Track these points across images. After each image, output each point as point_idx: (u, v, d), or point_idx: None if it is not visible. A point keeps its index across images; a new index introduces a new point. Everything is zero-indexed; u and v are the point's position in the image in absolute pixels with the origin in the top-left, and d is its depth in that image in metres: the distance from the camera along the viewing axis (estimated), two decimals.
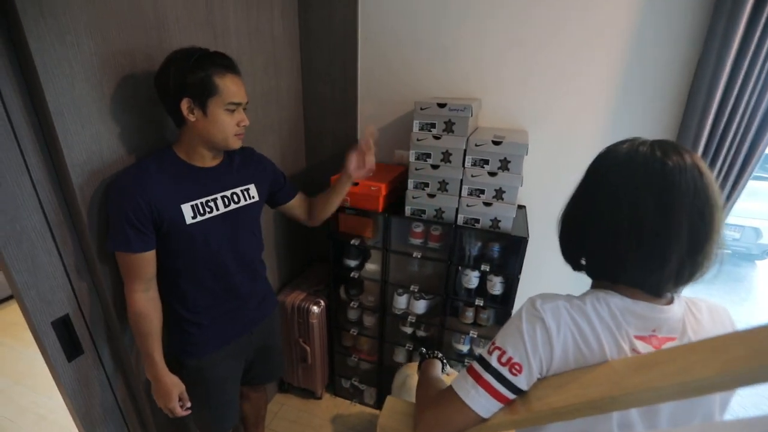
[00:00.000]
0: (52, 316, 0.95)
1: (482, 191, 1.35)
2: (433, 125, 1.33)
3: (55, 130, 0.85)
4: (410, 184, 1.44)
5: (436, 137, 1.33)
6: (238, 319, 1.16)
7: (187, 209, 0.97)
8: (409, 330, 1.73)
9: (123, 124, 0.99)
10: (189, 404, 1.08)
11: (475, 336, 1.56)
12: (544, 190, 1.59)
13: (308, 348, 1.76)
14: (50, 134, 0.86)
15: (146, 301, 0.98)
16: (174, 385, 1.04)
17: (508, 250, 1.46)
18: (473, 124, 1.41)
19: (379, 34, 1.59)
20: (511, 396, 0.58)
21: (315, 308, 1.70)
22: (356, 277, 1.65)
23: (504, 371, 0.57)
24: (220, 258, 1.06)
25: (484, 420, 0.59)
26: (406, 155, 1.66)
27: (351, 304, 1.72)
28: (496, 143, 1.28)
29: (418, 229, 1.53)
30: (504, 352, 0.58)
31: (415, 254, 1.50)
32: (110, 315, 1.07)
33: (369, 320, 1.76)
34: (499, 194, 1.34)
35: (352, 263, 1.66)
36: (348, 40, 1.63)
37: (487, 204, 1.35)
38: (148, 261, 0.96)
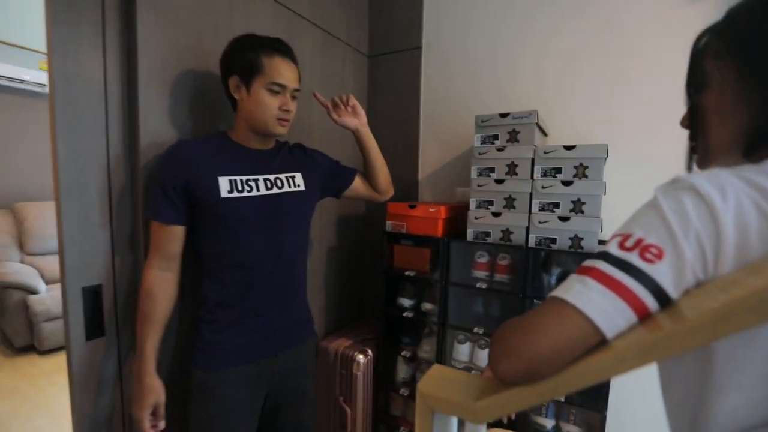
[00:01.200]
0: (85, 281, 0.90)
1: (557, 204, 1.17)
2: (495, 137, 1.26)
3: (138, 96, 0.94)
4: (472, 203, 1.31)
5: (500, 149, 1.25)
6: (263, 334, 0.99)
7: (224, 182, 0.92)
8: None
9: (195, 111, 1.07)
10: (163, 425, 0.89)
11: (562, 401, 1.17)
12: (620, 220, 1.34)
13: (348, 410, 1.46)
14: (134, 98, 0.94)
15: (159, 280, 0.90)
16: (151, 390, 0.87)
17: None
18: (541, 141, 1.31)
19: (441, 83, 1.68)
20: (648, 300, 0.36)
21: (361, 357, 1.46)
22: (410, 316, 1.42)
23: (630, 257, 0.37)
24: (253, 246, 0.96)
25: (605, 340, 0.37)
26: (467, 192, 1.57)
27: (403, 353, 1.45)
28: (568, 148, 1.15)
29: (483, 259, 1.34)
30: (628, 236, 0.38)
31: (479, 285, 1.28)
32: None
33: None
34: (577, 206, 1.14)
35: (407, 302, 1.46)
36: (412, 90, 1.74)
37: (564, 219, 1.15)
38: (174, 235, 0.90)
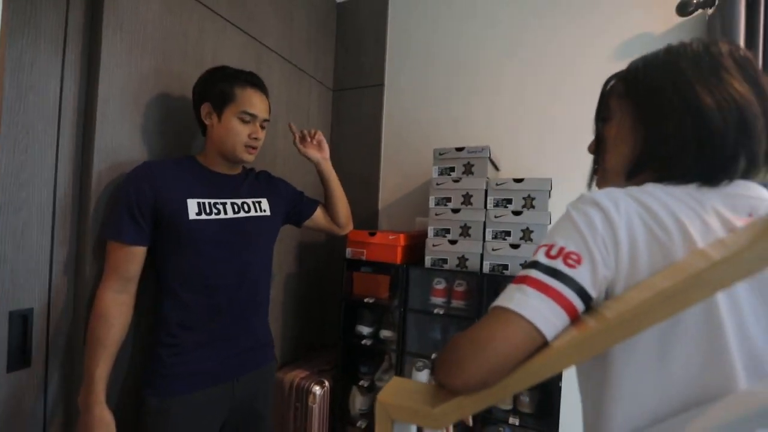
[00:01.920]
0: (14, 304, 0.82)
1: (508, 233, 1.25)
2: (452, 169, 1.34)
3: (96, 113, 0.91)
4: (430, 231, 1.36)
5: (456, 180, 1.33)
6: (225, 356, 0.97)
7: (192, 204, 0.93)
8: None
9: (157, 133, 1.05)
10: None
11: (516, 424, 1.19)
12: None
13: None
14: (90, 115, 0.92)
15: (114, 303, 0.86)
16: (102, 423, 0.81)
17: None
18: (493, 174, 1.41)
19: (401, 119, 1.78)
20: (576, 301, 0.41)
21: (317, 388, 1.40)
22: (368, 344, 1.41)
23: (557, 264, 0.42)
24: (219, 267, 0.96)
25: (545, 343, 0.40)
26: (426, 222, 1.63)
27: (360, 383, 1.42)
28: (517, 181, 1.25)
29: (440, 285, 1.38)
30: (552, 245, 0.44)
31: (436, 310, 1.30)
32: (80, 331, 0.91)
33: None
34: (526, 234, 1.23)
35: (365, 330, 1.45)
36: (374, 123, 1.82)
37: (515, 246, 1.23)
38: (134, 256, 0.88)
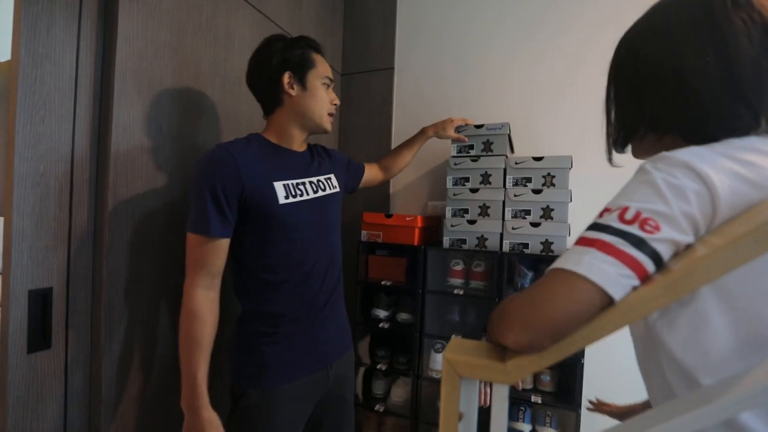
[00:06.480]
0: (33, 283, 0.79)
1: (528, 212, 1.24)
2: (471, 147, 1.33)
3: (114, 85, 0.88)
4: (448, 212, 1.35)
5: (474, 159, 1.31)
6: (319, 344, 0.93)
7: (279, 188, 0.88)
8: None
9: (173, 109, 1.02)
10: None
11: (539, 402, 1.19)
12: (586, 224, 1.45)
13: None
14: (107, 86, 0.88)
15: (206, 300, 0.82)
16: (211, 426, 0.79)
17: None
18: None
19: (412, 99, 1.76)
20: (648, 265, 0.38)
21: None
22: (386, 327, 1.39)
23: (632, 229, 0.39)
24: (311, 253, 0.92)
25: (611, 302, 0.38)
26: (440, 206, 1.61)
27: (378, 366, 1.40)
28: (537, 159, 1.24)
29: (458, 266, 1.37)
30: (626, 209, 0.41)
31: (456, 291, 1.29)
32: (102, 311, 0.88)
33: (399, 393, 1.40)
34: (547, 213, 1.22)
35: (382, 314, 1.43)
36: (385, 107, 1.80)
37: (535, 224, 1.22)
38: (221, 251, 0.83)
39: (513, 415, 1.26)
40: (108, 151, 0.88)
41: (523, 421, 1.24)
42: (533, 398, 1.21)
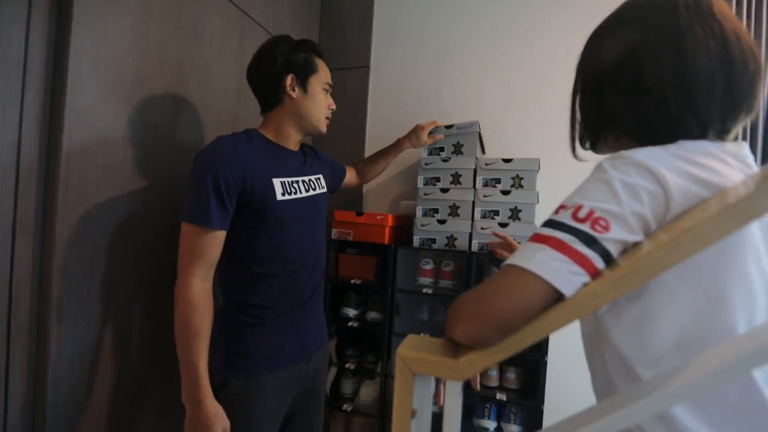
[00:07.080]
0: None
1: (497, 212, 1.27)
2: (441, 149, 1.34)
3: (68, 69, 0.83)
4: (418, 211, 1.35)
5: (445, 160, 1.33)
6: (301, 337, 0.95)
7: (277, 184, 0.90)
8: None
9: (132, 98, 0.98)
10: None
11: (504, 399, 1.21)
12: None
13: None
14: (61, 70, 0.83)
15: (202, 291, 0.82)
16: (218, 416, 0.79)
17: None
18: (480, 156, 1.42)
19: (387, 98, 1.76)
20: (599, 263, 0.39)
21: None
22: (355, 326, 1.38)
23: (584, 227, 0.40)
24: (302, 248, 0.95)
25: (561, 297, 0.39)
26: (412, 206, 1.62)
27: (347, 366, 1.39)
28: (506, 161, 1.26)
29: (428, 266, 1.37)
30: (579, 207, 0.41)
31: (425, 290, 1.30)
32: (50, 309, 0.83)
33: (367, 392, 1.40)
34: (515, 213, 1.25)
35: (352, 312, 1.42)
36: (359, 105, 1.79)
37: (503, 225, 1.25)
38: (218, 242, 0.84)
39: (479, 413, 1.28)
40: (60, 138, 0.83)
41: (489, 419, 1.26)
42: (498, 396, 1.23)
